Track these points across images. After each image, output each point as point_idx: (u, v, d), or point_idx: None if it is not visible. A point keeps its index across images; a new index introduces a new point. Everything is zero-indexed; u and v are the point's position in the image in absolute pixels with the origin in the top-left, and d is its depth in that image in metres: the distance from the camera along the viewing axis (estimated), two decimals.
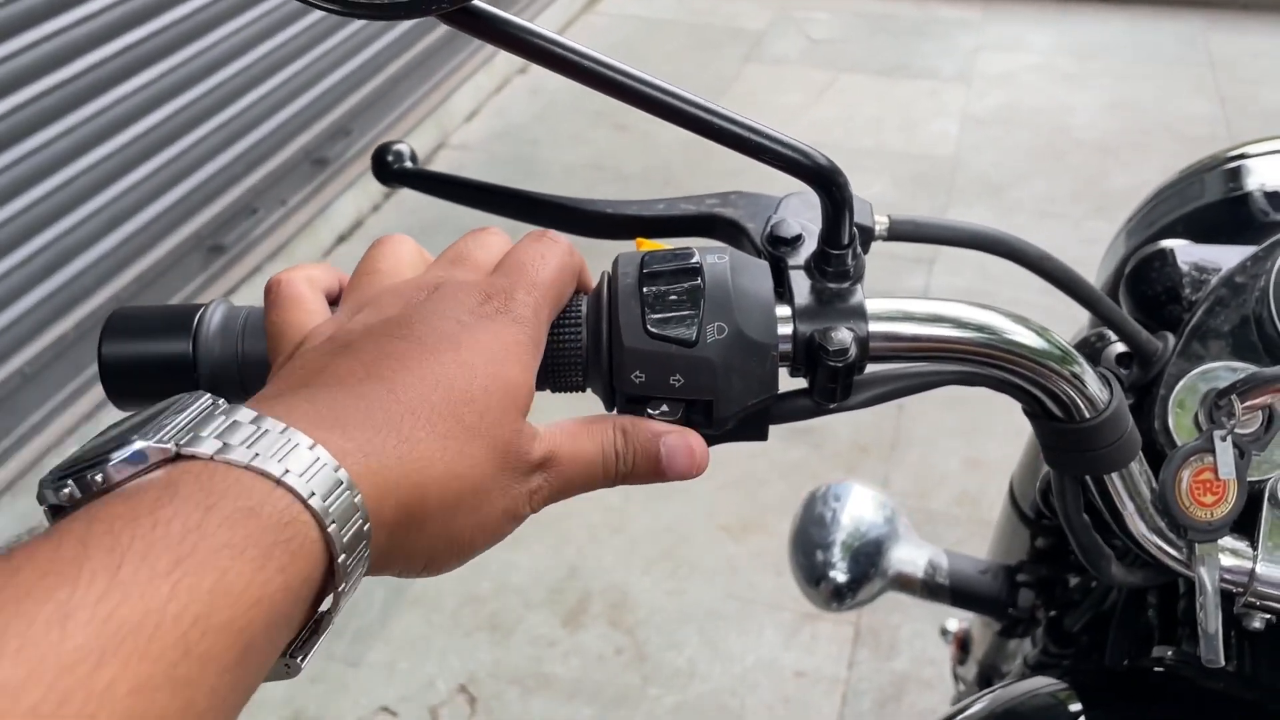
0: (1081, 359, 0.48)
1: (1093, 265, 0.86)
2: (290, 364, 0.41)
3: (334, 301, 0.46)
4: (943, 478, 2.21)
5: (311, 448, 0.32)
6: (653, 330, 0.43)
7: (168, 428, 0.32)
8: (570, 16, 4.22)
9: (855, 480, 0.92)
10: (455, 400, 0.38)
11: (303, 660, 0.34)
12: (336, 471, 0.32)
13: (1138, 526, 0.53)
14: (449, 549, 0.39)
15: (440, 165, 3.38)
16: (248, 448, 0.31)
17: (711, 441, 0.48)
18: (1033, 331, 0.47)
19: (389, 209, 3.12)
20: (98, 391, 2.17)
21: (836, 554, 0.86)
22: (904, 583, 0.86)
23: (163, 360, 0.46)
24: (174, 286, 2.47)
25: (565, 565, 2.03)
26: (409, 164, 0.57)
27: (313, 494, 0.31)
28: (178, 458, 0.31)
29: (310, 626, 0.33)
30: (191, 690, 0.27)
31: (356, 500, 0.33)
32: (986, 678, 1.08)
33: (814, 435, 2.30)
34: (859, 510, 0.87)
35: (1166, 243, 0.65)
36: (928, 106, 3.64)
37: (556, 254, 0.45)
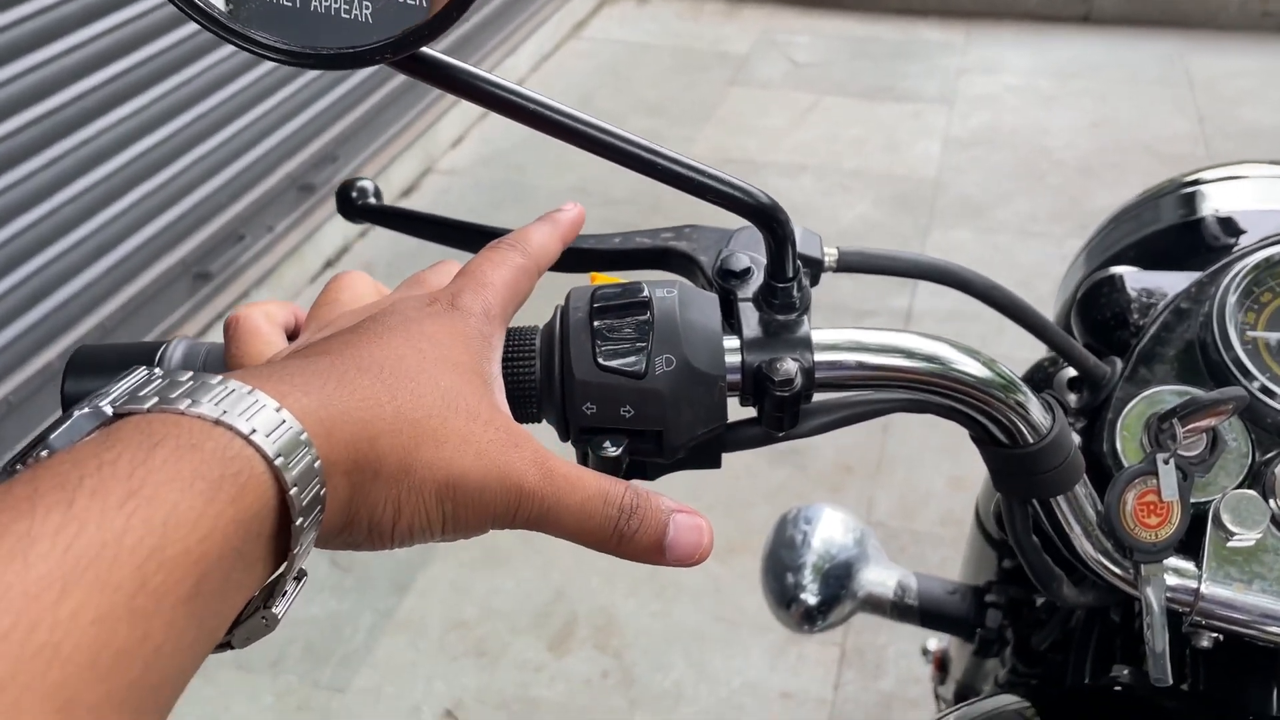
0: (1025, 387, 0.50)
1: None
2: None
3: (292, 337, 0.47)
4: (927, 498, 2.22)
5: (249, 391, 0.33)
6: (603, 363, 0.44)
7: (107, 397, 0.34)
8: (556, 42, 4.26)
9: (826, 503, 0.93)
10: (407, 366, 0.39)
11: (280, 611, 0.35)
12: (277, 411, 0.33)
13: (1085, 548, 0.54)
14: (414, 505, 0.37)
15: (427, 191, 3.40)
16: (185, 396, 0.32)
17: (665, 470, 0.49)
18: (977, 361, 0.49)
19: (376, 235, 3.13)
20: None
21: (807, 576, 0.87)
22: (874, 604, 0.87)
23: None
24: (159, 314, 2.48)
25: (551, 589, 2.03)
26: (373, 200, 0.59)
27: (253, 430, 0.32)
28: (117, 417, 0.32)
29: (279, 575, 0.34)
30: (149, 622, 0.28)
31: (302, 437, 0.33)
32: (964, 698, 1.09)
33: (798, 457, 2.31)
34: (829, 533, 0.88)
35: (1116, 269, 0.66)
36: (910, 128, 3.67)
37: (509, 258, 0.46)
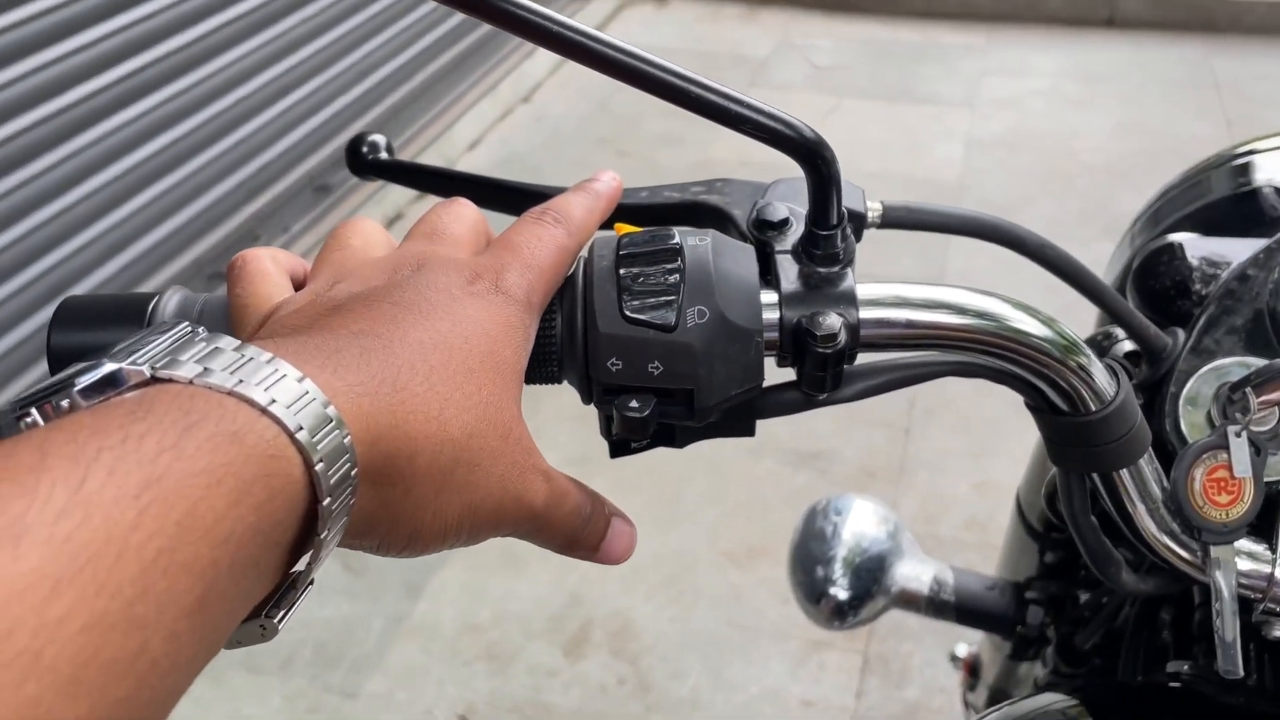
0: (1088, 349, 0.46)
1: None
2: (266, 329, 0.38)
3: (299, 287, 0.44)
4: (951, 502, 2.17)
5: (300, 380, 0.30)
6: (629, 315, 0.40)
7: (142, 351, 0.30)
8: None
9: (857, 493, 0.88)
10: (454, 366, 0.35)
11: (280, 621, 0.31)
12: (326, 408, 0.30)
13: (1148, 528, 0.50)
14: (434, 525, 0.35)
15: None
16: (231, 373, 0.29)
17: (694, 436, 0.46)
18: (1036, 320, 0.44)
19: (396, 233, 3.11)
20: None
21: (838, 570, 0.82)
22: (908, 600, 0.82)
23: None
24: None
25: (566, 593, 2.00)
26: (384, 155, 0.55)
27: (300, 428, 0.28)
28: (153, 380, 0.28)
29: (288, 583, 0.30)
30: (147, 633, 0.24)
31: (346, 441, 0.30)
32: (997, 703, 1.04)
33: (820, 460, 2.26)
34: (861, 525, 0.84)
35: (1174, 236, 0.62)
36: (932, 131, 3.63)
37: (554, 237, 0.42)
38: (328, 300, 0.38)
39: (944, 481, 2.22)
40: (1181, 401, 0.54)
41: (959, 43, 4.32)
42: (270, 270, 0.42)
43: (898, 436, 2.31)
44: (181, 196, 2.45)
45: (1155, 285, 0.61)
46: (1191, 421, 0.54)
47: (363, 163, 0.55)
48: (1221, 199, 0.70)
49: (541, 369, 0.43)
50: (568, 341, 0.42)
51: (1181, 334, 0.57)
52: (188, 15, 2.39)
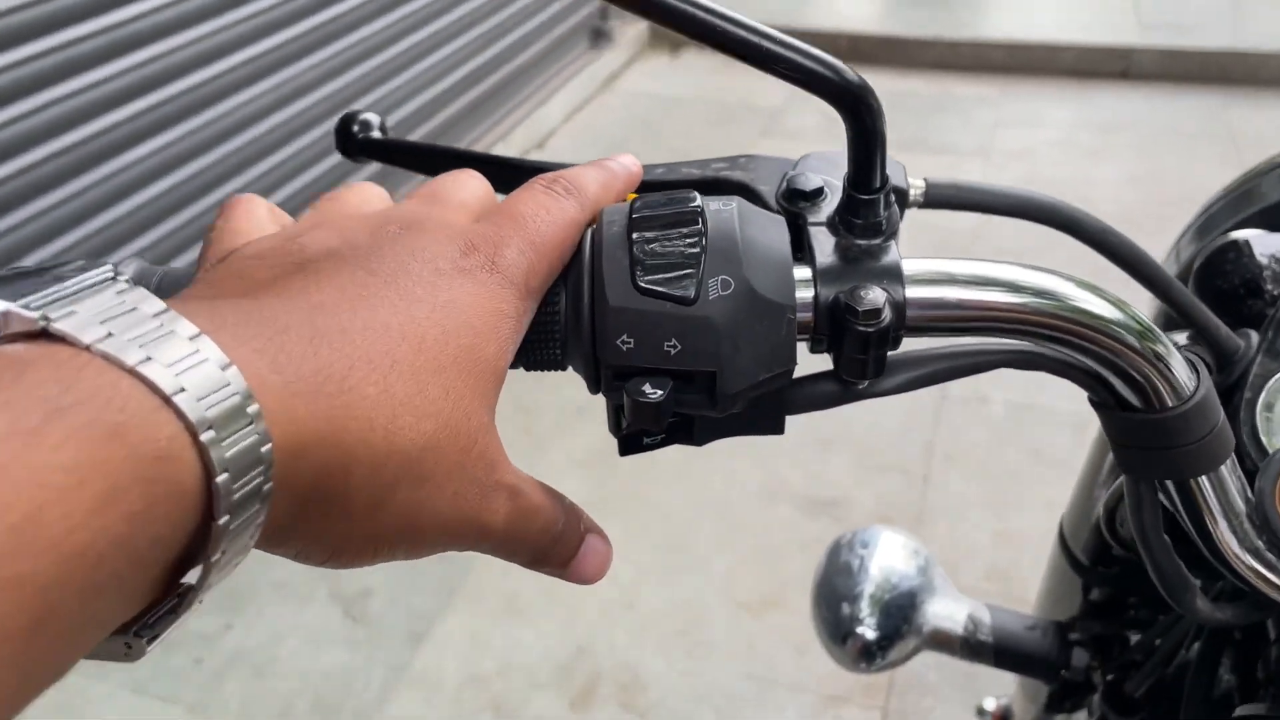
0: (1164, 336, 0.40)
1: None
2: (224, 267, 0.32)
3: None
4: (971, 551, 2.10)
5: (224, 367, 0.24)
6: (643, 285, 0.35)
7: (45, 292, 0.24)
8: (589, 94, 4.24)
9: (885, 525, 0.82)
10: (422, 363, 0.30)
11: (149, 642, 0.25)
12: (247, 405, 0.24)
13: (1230, 546, 0.44)
14: (363, 544, 0.30)
15: None
16: (140, 346, 0.23)
17: (714, 432, 0.40)
18: (1106, 301, 0.39)
19: None
20: None
21: (865, 607, 0.76)
22: (941, 640, 0.76)
23: None
24: None
25: (574, 643, 1.92)
26: (377, 134, 0.51)
27: (210, 427, 0.23)
28: (44, 334, 0.23)
29: (169, 601, 0.24)
30: None
31: (264, 450, 0.24)
32: None
33: (836, 507, 2.20)
34: (889, 559, 0.78)
35: (1239, 234, 0.57)
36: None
37: (564, 210, 0.37)
38: (297, 249, 0.32)
39: (964, 530, 2.15)
40: (1259, 407, 0.49)
41: (972, 94, 4.32)
42: (260, 214, 0.37)
43: (915, 483, 2.25)
44: (189, 238, 2.43)
45: (1222, 284, 0.56)
46: (1270, 429, 0.48)
47: (353, 142, 0.50)
48: (1279, 203, 0.65)
49: (542, 352, 0.38)
50: (573, 319, 0.37)
51: (1255, 335, 0.51)
52: (196, 59, 2.38)
